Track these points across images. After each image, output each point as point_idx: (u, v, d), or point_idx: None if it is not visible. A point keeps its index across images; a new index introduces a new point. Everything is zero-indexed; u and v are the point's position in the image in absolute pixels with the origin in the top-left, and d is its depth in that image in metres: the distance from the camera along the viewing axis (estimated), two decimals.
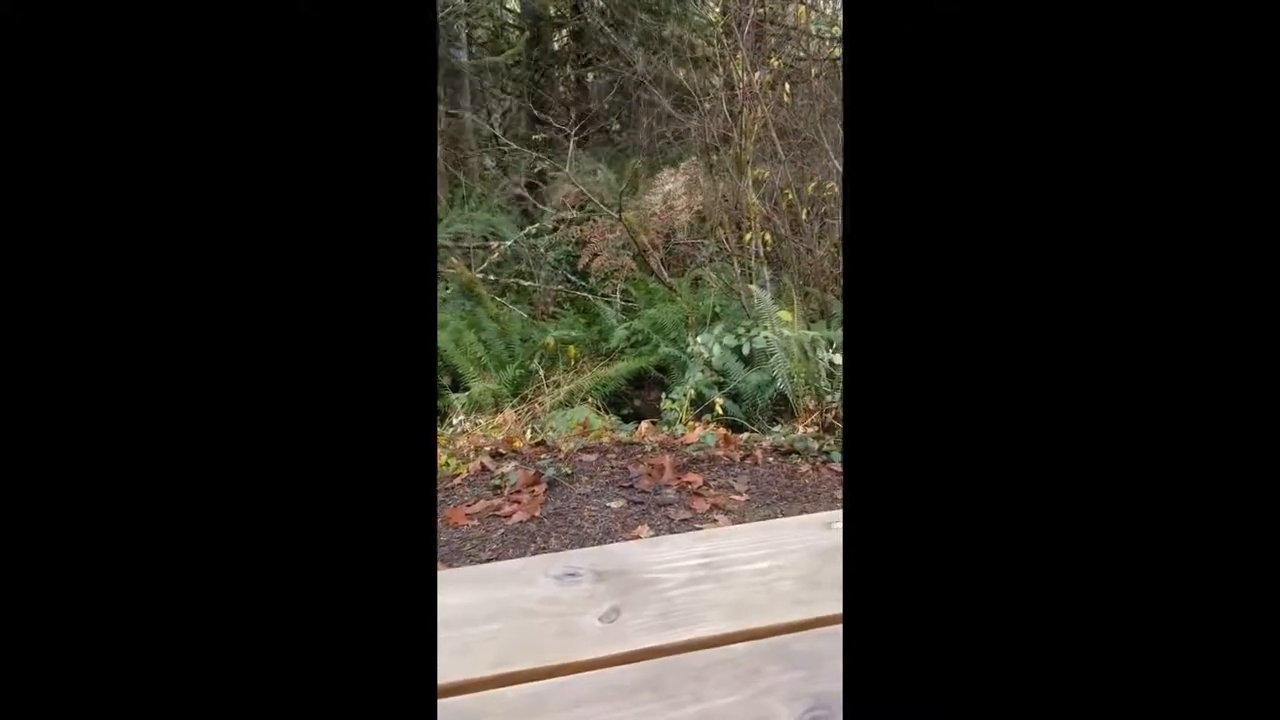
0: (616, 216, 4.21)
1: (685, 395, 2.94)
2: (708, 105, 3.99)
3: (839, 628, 0.58)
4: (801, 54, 4.50)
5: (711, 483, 2.24)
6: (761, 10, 4.24)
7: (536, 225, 4.72)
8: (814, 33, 4.38)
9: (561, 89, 6.37)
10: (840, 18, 3.69)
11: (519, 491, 2.20)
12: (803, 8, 4.28)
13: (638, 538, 1.94)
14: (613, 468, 2.32)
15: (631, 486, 2.22)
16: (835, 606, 0.60)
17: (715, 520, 2.02)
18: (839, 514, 0.75)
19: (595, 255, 4.32)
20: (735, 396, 3.17)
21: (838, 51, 4.32)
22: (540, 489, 2.20)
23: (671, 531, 1.93)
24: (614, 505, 2.11)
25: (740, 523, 1.70)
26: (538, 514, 2.06)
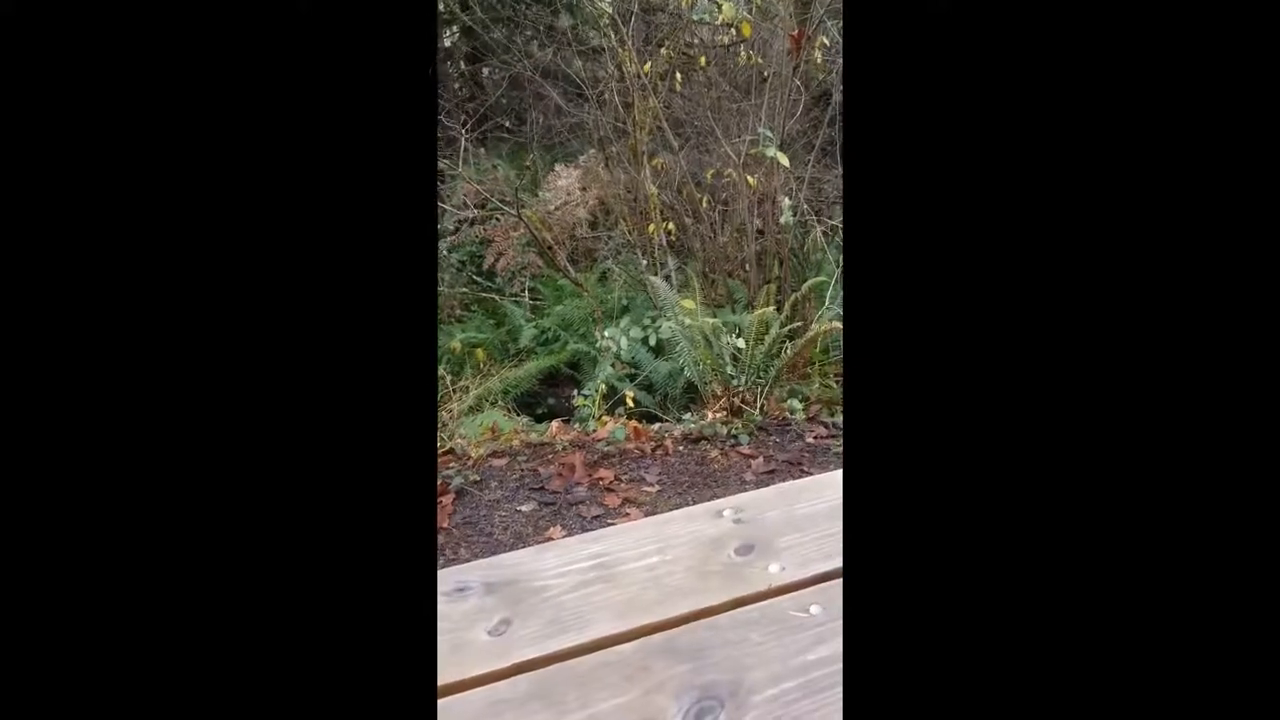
0: (516, 214, 4.16)
1: (597, 390, 2.94)
2: (603, 97, 3.98)
3: (726, 616, 0.59)
4: (691, 42, 4.53)
5: (623, 477, 2.24)
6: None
7: (438, 227, 4.60)
8: (698, 19, 4.42)
9: (456, 85, 6.24)
10: (724, 5, 3.74)
11: None
12: None
13: (550, 539, 1.93)
14: (523, 470, 2.30)
15: (542, 488, 2.20)
16: (722, 595, 0.61)
17: (628, 514, 2.03)
18: (731, 500, 0.76)
19: (500, 255, 4.26)
20: (648, 387, 3.18)
21: (725, 39, 4.38)
22: (448, 499, 2.16)
23: (584, 530, 1.93)
24: (525, 509, 2.09)
25: (653, 514, 1.71)
26: (445, 525, 2.02)
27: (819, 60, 3.20)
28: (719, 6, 3.40)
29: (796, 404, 2.58)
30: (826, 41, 3.20)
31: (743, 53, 3.75)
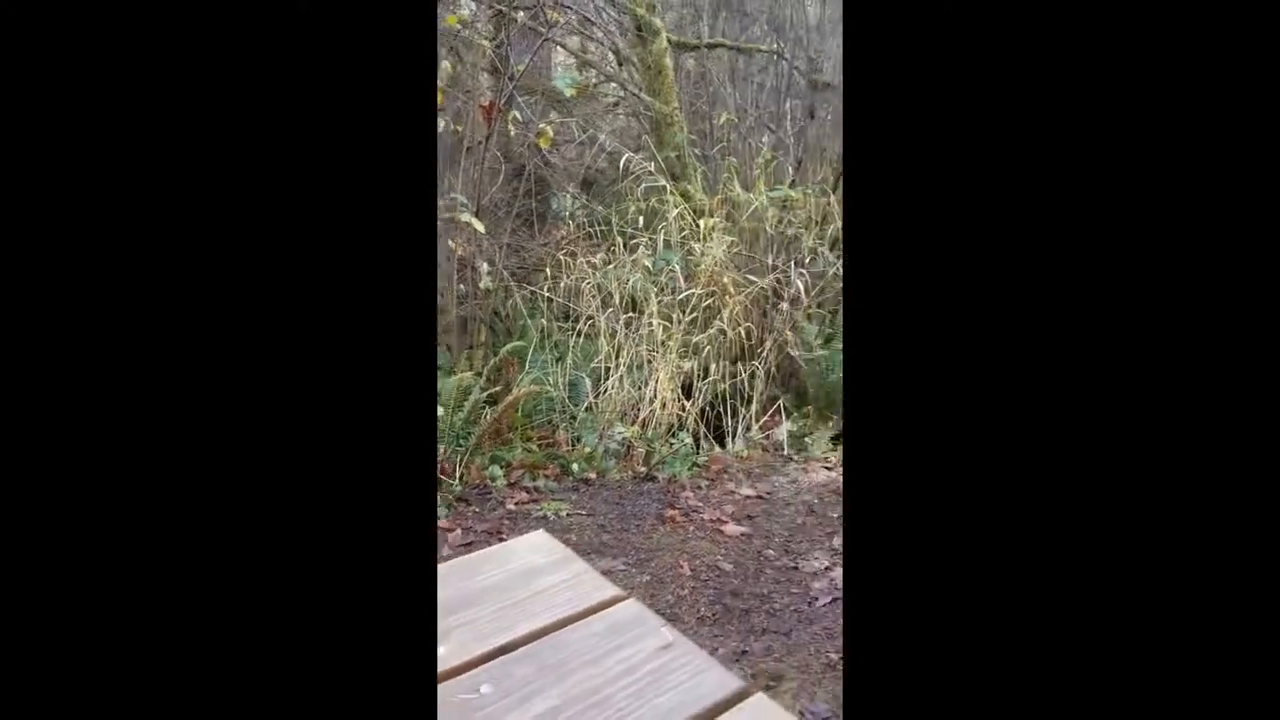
0: None
1: None
2: None
3: None
4: None
5: None
6: None
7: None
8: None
9: None
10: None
11: None
12: None
13: None
14: None
15: None
16: None
17: None
18: None
19: None
20: None
21: None
22: None
23: None
24: None
25: None
26: None
27: (512, 134, 3.30)
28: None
29: (498, 470, 2.55)
30: (519, 116, 3.31)
31: (440, 120, 3.74)
